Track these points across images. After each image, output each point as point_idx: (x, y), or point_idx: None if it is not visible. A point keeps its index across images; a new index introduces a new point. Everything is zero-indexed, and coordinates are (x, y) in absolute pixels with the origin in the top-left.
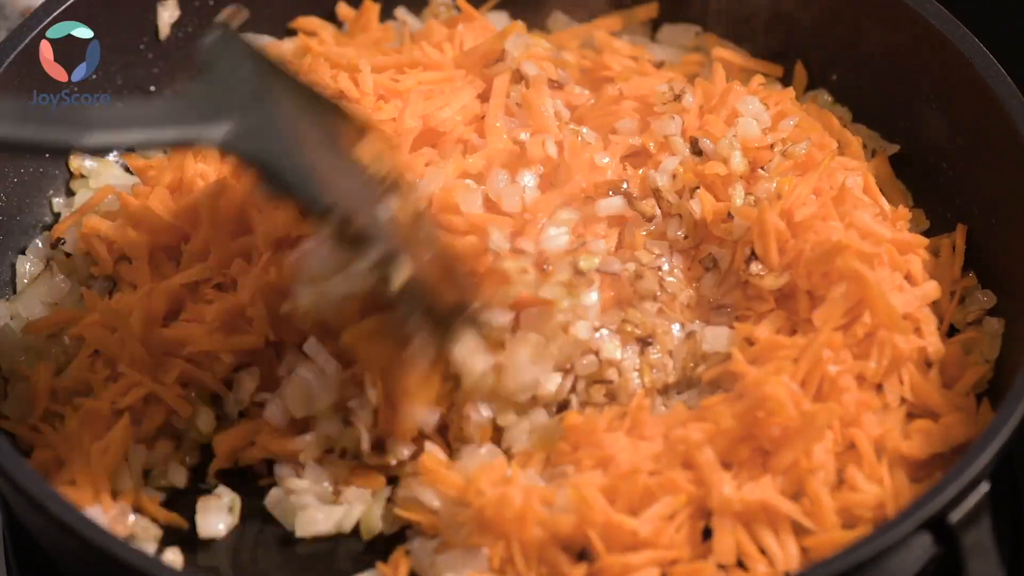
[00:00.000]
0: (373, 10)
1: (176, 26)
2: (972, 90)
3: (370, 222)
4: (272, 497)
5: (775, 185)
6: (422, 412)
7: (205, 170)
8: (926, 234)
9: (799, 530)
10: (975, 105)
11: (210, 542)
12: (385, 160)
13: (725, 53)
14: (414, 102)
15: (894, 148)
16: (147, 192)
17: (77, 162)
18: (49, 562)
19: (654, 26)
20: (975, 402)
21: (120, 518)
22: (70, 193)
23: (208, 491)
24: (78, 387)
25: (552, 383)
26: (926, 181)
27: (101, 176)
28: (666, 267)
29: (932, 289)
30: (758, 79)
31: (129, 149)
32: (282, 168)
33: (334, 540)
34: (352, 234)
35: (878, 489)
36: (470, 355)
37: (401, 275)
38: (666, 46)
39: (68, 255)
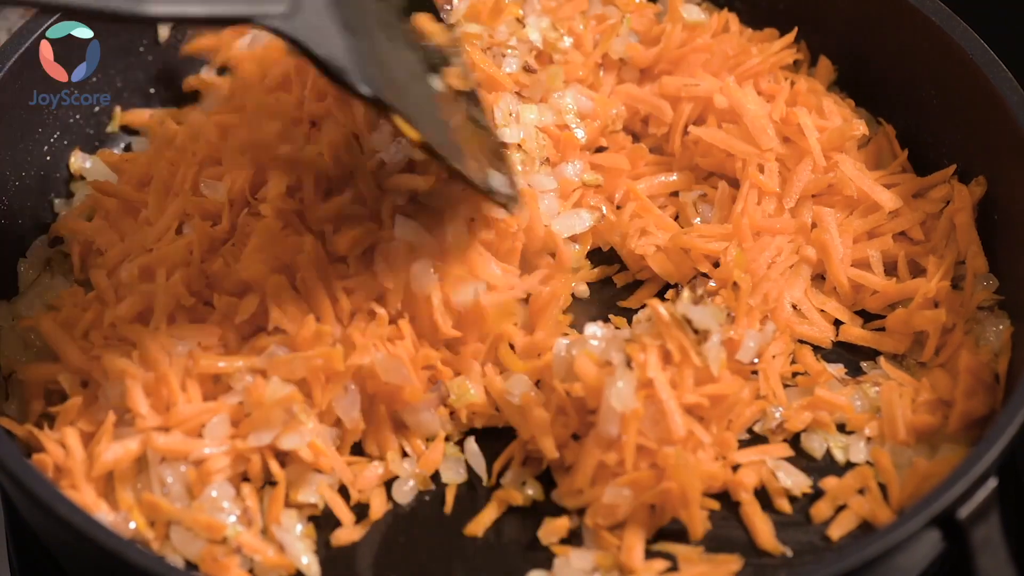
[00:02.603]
0: None
1: (176, 28)
2: (973, 86)
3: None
4: None
5: None
6: None
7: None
8: None
9: None
10: (976, 101)
11: None
12: (439, 33)
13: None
14: None
15: (892, 129)
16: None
17: (77, 163)
18: (51, 559)
19: None
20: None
21: (121, 524)
22: (70, 194)
23: None
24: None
25: None
26: (926, 175)
27: (99, 177)
28: None
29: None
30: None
31: (189, 21)
32: (332, 53)
33: None
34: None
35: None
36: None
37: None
38: None
39: (66, 255)
